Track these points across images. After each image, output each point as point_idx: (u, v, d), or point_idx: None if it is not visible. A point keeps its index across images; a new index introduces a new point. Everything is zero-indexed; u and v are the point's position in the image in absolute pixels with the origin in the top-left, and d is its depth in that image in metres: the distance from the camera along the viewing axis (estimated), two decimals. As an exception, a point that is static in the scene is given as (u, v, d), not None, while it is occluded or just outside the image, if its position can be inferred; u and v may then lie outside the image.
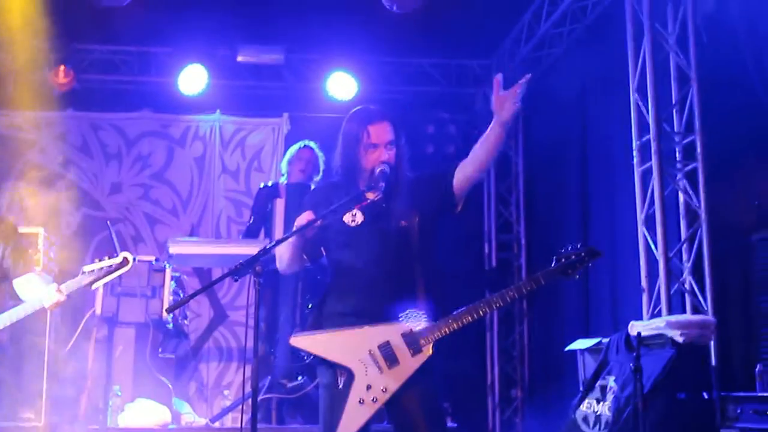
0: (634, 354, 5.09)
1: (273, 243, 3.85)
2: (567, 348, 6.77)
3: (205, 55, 8.65)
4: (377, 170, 3.98)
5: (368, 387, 3.81)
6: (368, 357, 3.83)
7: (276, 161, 8.86)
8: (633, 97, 6.63)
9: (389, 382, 3.80)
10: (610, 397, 5.55)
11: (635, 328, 5.46)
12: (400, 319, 3.86)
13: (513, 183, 9.77)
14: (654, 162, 6.35)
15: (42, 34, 7.61)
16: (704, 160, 6.32)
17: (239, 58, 8.71)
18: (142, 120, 9.04)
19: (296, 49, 8.92)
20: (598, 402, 5.65)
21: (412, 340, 3.82)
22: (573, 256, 3.89)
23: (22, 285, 4.83)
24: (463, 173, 4.01)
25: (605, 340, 6.08)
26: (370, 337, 3.84)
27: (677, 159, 6.49)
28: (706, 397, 5.35)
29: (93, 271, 4.78)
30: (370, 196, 3.97)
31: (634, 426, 5.01)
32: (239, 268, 3.58)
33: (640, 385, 4.96)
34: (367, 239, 4.01)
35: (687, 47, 6.45)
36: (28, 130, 8.79)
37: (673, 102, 6.52)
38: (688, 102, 6.43)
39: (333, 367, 3.90)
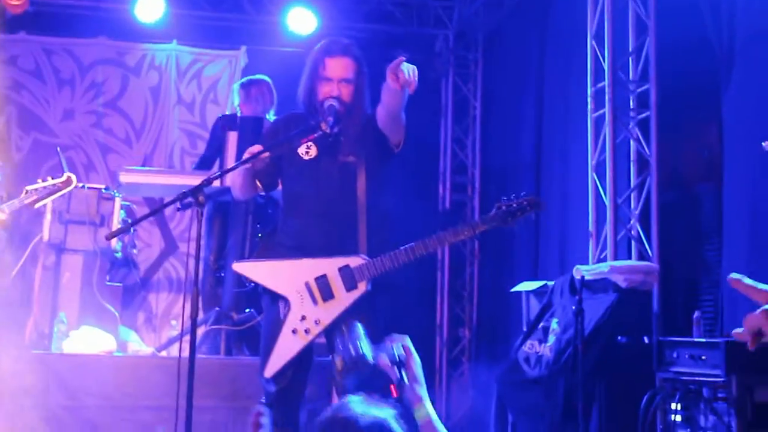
0: (577, 297, 5.19)
1: (217, 174, 3.86)
2: (512, 290, 6.87)
3: (164, -17, 8.49)
4: (326, 104, 4.00)
5: (302, 318, 3.89)
6: (304, 288, 3.90)
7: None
8: (590, 43, 6.64)
9: (322, 314, 3.88)
10: (551, 338, 5.64)
11: (579, 271, 5.54)
12: (340, 254, 3.92)
13: (470, 125, 9.78)
14: (607, 109, 6.39)
15: (-5, -46, 7.41)
16: (657, 110, 6.36)
17: (198, -13, 8.57)
18: (97, 46, 8.86)
19: (257, -20, 8.80)
20: (540, 343, 5.75)
21: (348, 276, 3.90)
22: (514, 204, 3.94)
23: None
24: (378, 118, 4.06)
25: (550, 283, 6.17)
26: (308, 268, 3.92)
27: (631, 107, 6.53)
28: (646, 341, 5.47)
29: (36, 190, 4.72)
30: (323, 128, 3.98)
31: (573, 367, 5.12)
32: (181, 197, 3.58)
33: (581, 328, 5.05)
34: (315, 173, 4.06)
35: (646, -5, 6.47)
36: (-24, 51, 8.61)
37: (630, 50, 6.54)
38: (645, 51, 6.45)
39: (276, 297, 3.96)
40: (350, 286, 3.89)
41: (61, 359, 5.71)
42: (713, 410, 4.48)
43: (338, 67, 4.05)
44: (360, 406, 1.97)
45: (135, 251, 7.28)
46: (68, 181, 4.83)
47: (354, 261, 3.92)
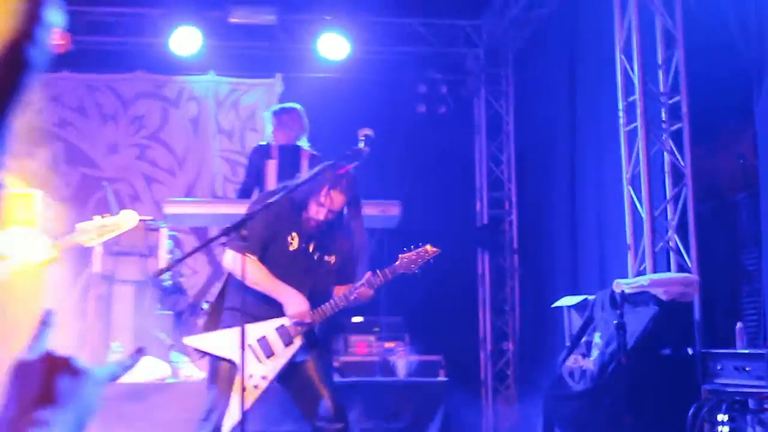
0: (618, 311, 5.27)
1: (259, 208, 4.14)
2: (553, 305, 6.94)
3: (198, 16, 8.71)
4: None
5: (250, 376, 4.33)
6: (248, 350, 4.31)
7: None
8: (619, 57, 6.73)
9: (267, 370, 4.37)
10: (595, 352, 5.72)
11: (620, 285, 5.61)
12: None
13: (504, 141, 9.89)
14: (639, 122, 6.46)
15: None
16: (690, 121, 6.43)
17: (231, 19, 8.77)
18: (136, 81, 9.10)
19: (288, 9, 8.98)
20: (584, 357, 5.83)
21: (284, 333, 4.39)
22: (413, 255, 4.43)
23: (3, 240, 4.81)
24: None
25: (591, 298, 6.24)
26: (250, 333, 4.30)
27: (663, 119, 6.60)
28: (690, 353, 5.52)
29: (92, 229, 4.82)
30: (313, 220, 4.39)
31: (617, 380, 5.19)
32: (225, 232, 3.87)
33: (623, 341, 5.13)
34: (296, 262, 4.45)
35: (673, 9, 6.54)
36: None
37: (659, 63, 6.62)
38: (674, 63, 6.52)
39: (219, 359, 4.38)
40: (287, 342, 4.39)
41: (116, 388, 5.86)
42: (760, 421, 4.53)
43: (335, 201, 4.40)
44: None
45: (183, 279, 7.46)
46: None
47: (288, 320, 4.40)
